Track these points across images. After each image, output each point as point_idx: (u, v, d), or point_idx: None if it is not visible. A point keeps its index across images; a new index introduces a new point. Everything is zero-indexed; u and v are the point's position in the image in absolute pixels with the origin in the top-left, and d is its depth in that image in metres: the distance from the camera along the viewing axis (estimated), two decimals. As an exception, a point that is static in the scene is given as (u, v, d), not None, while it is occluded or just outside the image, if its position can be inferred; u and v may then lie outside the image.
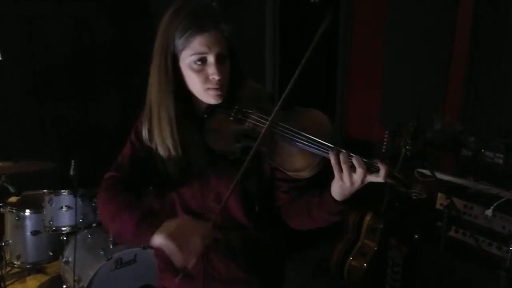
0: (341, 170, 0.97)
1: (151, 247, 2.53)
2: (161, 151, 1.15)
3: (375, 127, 3.33)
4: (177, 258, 0.99)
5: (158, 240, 1.00)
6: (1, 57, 2.82)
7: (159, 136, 1.14)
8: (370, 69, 3.48)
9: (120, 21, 3.58)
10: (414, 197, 0.97)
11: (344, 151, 0.98)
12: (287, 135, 1.04)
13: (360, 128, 3.61)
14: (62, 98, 3.46)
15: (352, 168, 0.97)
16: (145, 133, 1.19)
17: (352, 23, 3.57)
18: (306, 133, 1.01)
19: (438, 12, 2.85)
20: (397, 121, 2.51)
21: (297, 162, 1.04)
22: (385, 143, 2.50)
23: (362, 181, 0.97)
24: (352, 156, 0.97)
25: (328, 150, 0.99)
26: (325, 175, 1.06)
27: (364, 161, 0.97)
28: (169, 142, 1.13)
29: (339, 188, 1.02)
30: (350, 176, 0.97)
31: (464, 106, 2.76)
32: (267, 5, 3.46)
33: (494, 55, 2.58)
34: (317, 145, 1.00)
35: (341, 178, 0.98)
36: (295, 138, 1.03)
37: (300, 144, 1.02)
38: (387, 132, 2.49)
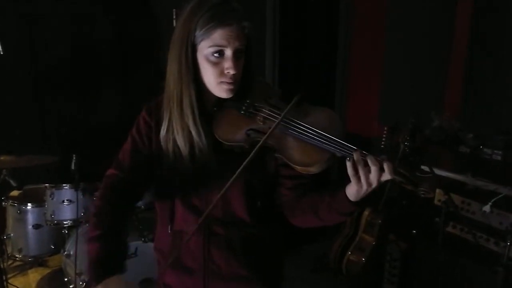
0: (358, 171, 0.98)
1: (151, 241, 2.55)
2: (180, 140, 1.15)
3: (374, 123, 3.34)
4: None
5: None
6: (2, 51, 2.82)
7: (181, 123, 1.14)
8: (369, 66, 3.49)
9: (121, 19, 3.58)
10: (422, 195, 0.97)
11: (363, 152, 0.99)
12: (298, 130, 1.05)
13: (359, 124, 3.62)
14: (63, 93, 3.47)
15: (368, 168, 0.98)
16: (164, 125, 1.18)
17: (352, 20, 3.57)
18: (318, 129, 1.03)
19: (438, 11, 2.86)
20: (396, 119, 2.51)
21: (307, 157, 1.04)
22: (384, 139, 2.50)
23: (379, 181, 0.98)
24: (366, 155, 0.98)
25: (339, 148, 1.00)
26: (327, 173, 1.07)
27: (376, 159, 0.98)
28: (192, 128, 1.14)
29: (355, 191, 1.02)
30: (367, 178, 0.98)
31: (463, 104, 2.77)
32: (267, 3, 3.46)
33: (493, 53, 2.59)
34: (328, 141, 1.01)
35: (359, 180, 0.99)
36: (306, 133, 1.04)
37: (311, 140, 1.03)
38: (386, 128, 2.50)
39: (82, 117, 3.58)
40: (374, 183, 0.98)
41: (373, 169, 0.97)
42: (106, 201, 1.20)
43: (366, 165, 0.98)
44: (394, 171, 0.97)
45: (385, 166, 0.96)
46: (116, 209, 1.19)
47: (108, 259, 1.12)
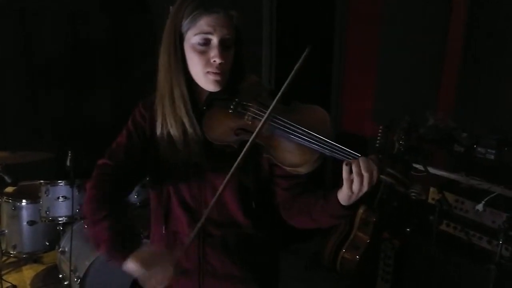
0: (354, 177, 0.97)
1: (147, 238, 2.55)
2: (174, 132, 1.14)
3: (369, 122, 3.35)
4: (147, 285, 1.04)
5: (130, 265, 1.03)
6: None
7: (173, 116, 1.13)
8: (364, 65, 3.50)
9: (117, 14, 3.57)
10: (413, 197, 0.96)
11: (360, 155, 0.97)
12: (286, 130, 1.03)
13: (354, 123, 3.63)
14: (58, 90, 3.46)
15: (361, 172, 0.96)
16: (159, 121, 1.17)
17: (347, 19, 3.58)
18: (307, 129, 1.01)
19: (432, 9, 2.87)
20: (391, 118, 2.52)
21: (295, 157, 1.03)
22: (378, 138, 2.52)
23: (370, 185, 0.96)
24: (359, 157, 0.97)
25: (328, 147, 0.98)
26: (323, 173, 1.07)
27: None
28: (186, 120, 1.13)
29: (346, 195, 1.01)
30: (361, 182, 0.96)
31: (457, 103, 2.79)
32: (264, 3, 3.45)
33: (487, 52, 2.61)
34: (317, 141, 0.99)
35: (351, 184, 0.98)
36: (294, 133, 1.02)
37: (300, 140, 1.01)
38: (381, 128, 2.51)
39: (77, 114, 3.57)
40: (366, 187, 0.97)
41: (366, 175, 0.95)
42: (100, 189, 1.16)
43: (358, 168, 0.96)
44: (382, 172, 0.96)
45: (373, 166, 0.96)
46: (111, 197, 1.16)
47: (125, 233, 1.09)
